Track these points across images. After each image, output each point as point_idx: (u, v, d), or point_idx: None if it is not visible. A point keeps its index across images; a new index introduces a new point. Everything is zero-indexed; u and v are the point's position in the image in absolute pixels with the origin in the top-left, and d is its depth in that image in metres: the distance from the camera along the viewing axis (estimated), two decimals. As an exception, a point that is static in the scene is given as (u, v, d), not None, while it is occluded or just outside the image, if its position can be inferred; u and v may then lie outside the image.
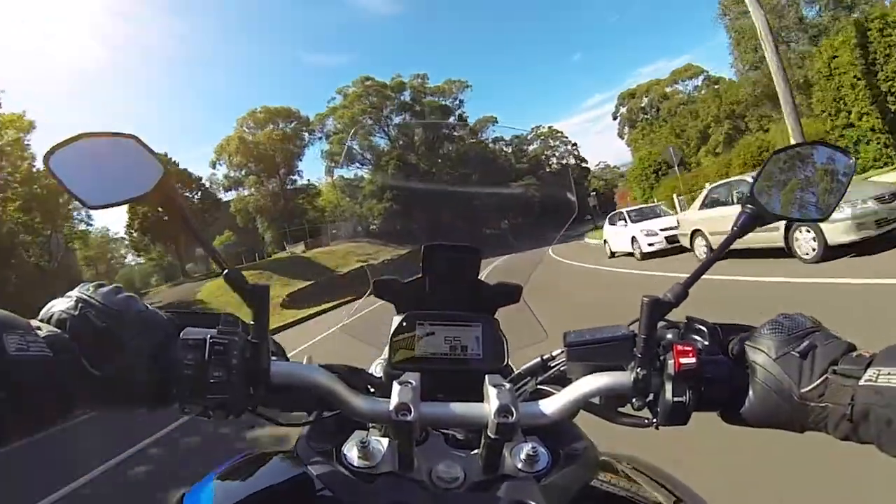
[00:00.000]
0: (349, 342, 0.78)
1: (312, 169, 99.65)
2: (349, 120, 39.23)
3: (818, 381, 0.45)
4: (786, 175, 0.52)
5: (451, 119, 43.18)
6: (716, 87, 37.65)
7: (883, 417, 0.41)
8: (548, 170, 51.23)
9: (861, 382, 0.42)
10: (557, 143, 59.33)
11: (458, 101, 44.22)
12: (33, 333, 0.39)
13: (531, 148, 55.12)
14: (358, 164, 38.20)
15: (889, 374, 0.41)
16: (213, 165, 38.81)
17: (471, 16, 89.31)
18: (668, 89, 42.67)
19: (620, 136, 47.12)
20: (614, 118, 47.99)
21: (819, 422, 0.45)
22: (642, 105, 44.82)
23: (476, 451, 0.51)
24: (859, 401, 0.42)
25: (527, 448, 0.50)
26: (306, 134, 40.81)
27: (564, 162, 59.63)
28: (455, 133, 41.81)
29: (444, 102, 43.30)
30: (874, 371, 0.42)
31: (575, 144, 61.99)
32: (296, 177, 40.20)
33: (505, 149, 48.62)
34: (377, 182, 30.80)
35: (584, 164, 65.85)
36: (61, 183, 0.50)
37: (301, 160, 40.43)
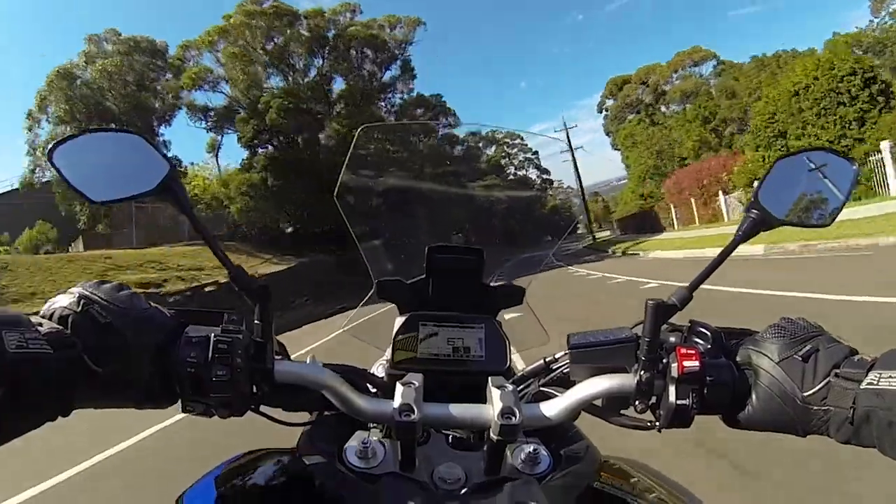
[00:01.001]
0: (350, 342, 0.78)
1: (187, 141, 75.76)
2: (233, 59, 24.44)
3: (820, 385, 0.45)
4: (790, 181, 0.53)
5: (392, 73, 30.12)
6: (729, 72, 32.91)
7: (884, 420, 0.41)
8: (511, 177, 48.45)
9: (862, 386, 0.43)
10: (516, 150, 55.96)
11: (405, 46, 29.48)
12: (34, 330, 0.39)
13: (489, 152, 49.98)
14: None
15: (890, 377, 0.42)
16: (32, 119, 22.94)
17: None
18: (675, 73, 37.29)
19: (607, 132, 43.33)
20: (599, 111, 44.23)
21: (821, 425, 0.46)
22: (639, 94, 39.81)
23: (477, 451, 0.51)
24: (861, 404, 0.42)
25: (528, 449, 0.50)
26: (170, 76, 25.38)
27: (523, 172, 57.35)
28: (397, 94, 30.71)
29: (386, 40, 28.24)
30: (875, 374, 0.43)
31: (536, 153, 58.87)
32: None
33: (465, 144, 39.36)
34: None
35: (546, 176, 63.54)
36: (64, 178, 0.50)
37: (169, 122, 25.79)
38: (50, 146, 0.51)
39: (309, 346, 7.56)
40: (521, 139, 56.38)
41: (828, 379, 0.45)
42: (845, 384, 0.44)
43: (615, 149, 42.79)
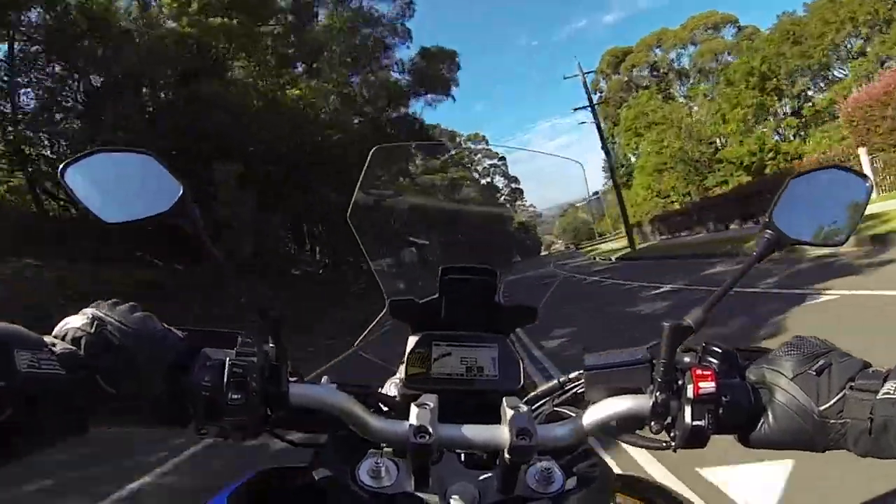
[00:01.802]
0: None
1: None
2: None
3: (836, 398, 0.45)
4: (804, 200, 0.53)
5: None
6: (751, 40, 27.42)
7: None
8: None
9: (879, 396, 0.43)
10: (479, 155, 53.09)
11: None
12: (46, 350, 0.39)
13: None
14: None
15: None
16: None
17: None
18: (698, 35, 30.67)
19: (604, 118, 35.27)
20: (595, 91, 35.30)
21: (839, 439, 0.46)
22: (649, 66, 33.42)
23: (491, 471, 0.51)
24: (879, 414, 0.42)
25: (542, 468, 0.50)
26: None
27: (489, 180, 55.31)
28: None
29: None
30: (892, 384, 0.43)
31: (503, 159, 56.45)
32: None
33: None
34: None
35: (515, 185, 62.04)
36: (76, 197, 0.50)
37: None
38: (62, 165, 0.50)
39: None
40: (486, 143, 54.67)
41: (843, 392, 0.45)
42: (861, 395, 0.44)
43: (610, 142, 38.43)
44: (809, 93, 23.90)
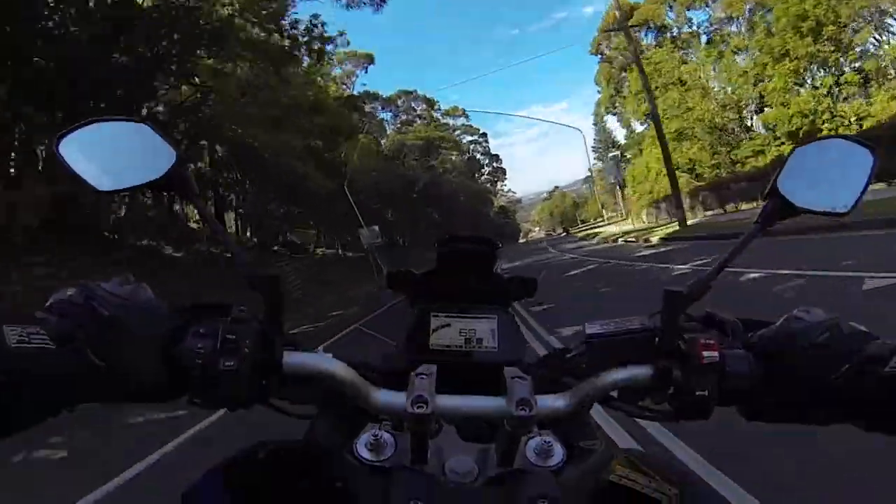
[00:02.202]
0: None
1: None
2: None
3: (842, 370, 0.44)
4: (810, 169, 0.52)
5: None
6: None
7: None
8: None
9: (887, 369, 0.42)
10: (459, 131, 51.98)
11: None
12: (35, 325, 0.39)
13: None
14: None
15: None
16: None
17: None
18: None
19: (607, 86, 33.92)
20: (597, 53, 33.37)
21: (844, 412, 0.45)
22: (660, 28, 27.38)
23: (490, 444, 0.50)
24: (885, 388, 0.42)
25: (542, 441, 0.50)
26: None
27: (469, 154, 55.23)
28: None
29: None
30: None
31: (485, 134, 56.73)
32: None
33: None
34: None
35: (498, 164, 62.46)
36: (69, 168, 0.50)
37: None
38: (56, 136, 0.50)
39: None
40: (467, 118, 53.77)
41: (849, 364, 0.44)
42: (869, 367, 0.43)
43: (611, 113, 38.86)
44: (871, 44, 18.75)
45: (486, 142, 56.12)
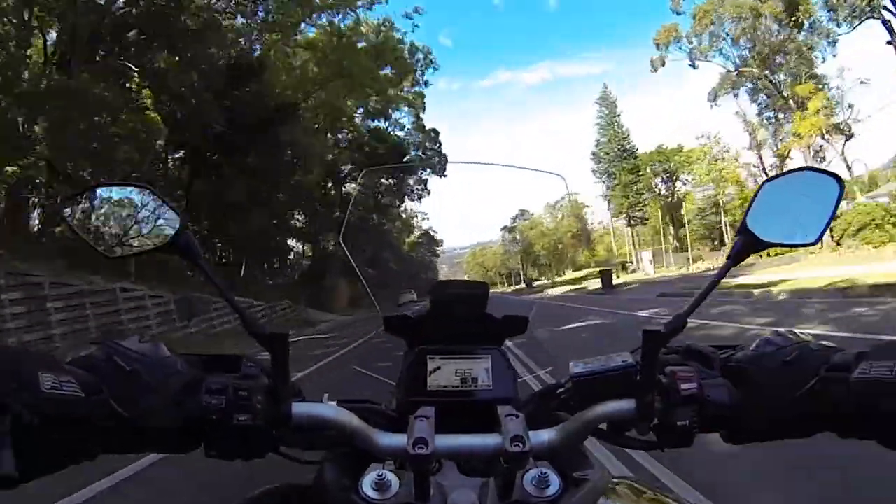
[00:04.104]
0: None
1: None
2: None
3: (812, 383, 0.47)
4: (777, 202, 0.54)
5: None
6: None
7: (881, 409, 0.43)
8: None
9: (854, 376, 0.45)
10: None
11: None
12: (67, 374, 0.41)
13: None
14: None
15: (882, 366, 0.43)
16: None
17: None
18: None
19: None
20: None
21: (820, 423, 0.48)
22: None
23: (489, 477, 0.53)
24: (854, 393, 0.44)
25: (538, 473, 0.52)
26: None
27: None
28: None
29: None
30: (867, 364, 0.44)
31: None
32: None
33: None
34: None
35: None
36: (76, 232, 0.52)
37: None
38: (62, 200, 0.58)
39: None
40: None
41: (816, 377, 0.47)
42: (837, 375, 0.46)
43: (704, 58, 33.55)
44: None
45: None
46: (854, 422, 0.45)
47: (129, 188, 0.56)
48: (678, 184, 48.02)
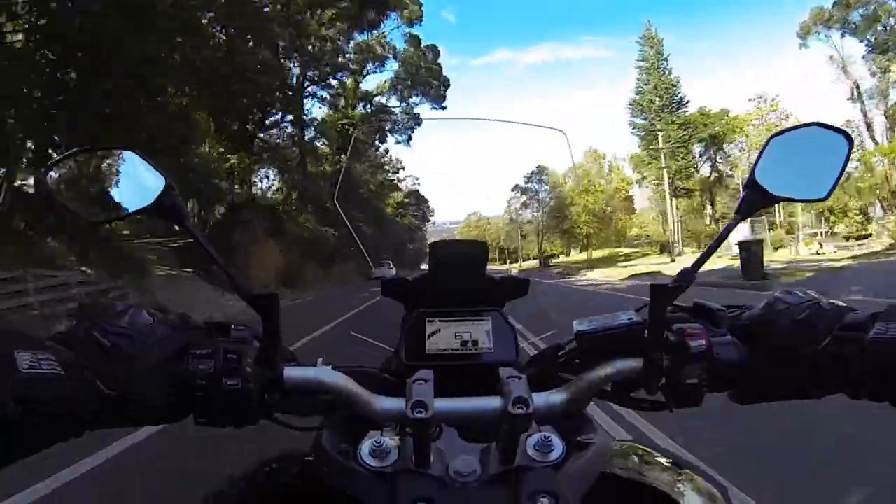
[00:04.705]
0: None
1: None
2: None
3: (825, 342, 0.46)
4: (786, 157, 0.53)
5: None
6: None
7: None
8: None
9: (870, 336, 0.43)
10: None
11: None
12: (45, 351, 0.39)
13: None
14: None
15: None
16: None
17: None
18: None
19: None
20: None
21: (833, 384, 0.46)
22: None
23: (491, 442, 0.51)
24: (869, 354, 0.43)
25: (541, 437, 0.50)
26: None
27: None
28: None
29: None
30: (883, 325, 0.43)
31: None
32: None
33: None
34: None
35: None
36: (59, 199, 0.51)
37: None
38: (44, 168, 0.51)
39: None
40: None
41: (832, 335, 0.46)
42: (852, 335, 0.45)
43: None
44: None
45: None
46: (868, 383, 0.44)
47: (112, 150, 0.54)
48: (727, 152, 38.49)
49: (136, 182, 0.52)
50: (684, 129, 39.43)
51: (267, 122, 27.98)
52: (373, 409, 0.49)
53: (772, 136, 0.54)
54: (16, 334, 0.39)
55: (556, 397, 0.51)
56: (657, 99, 40.96)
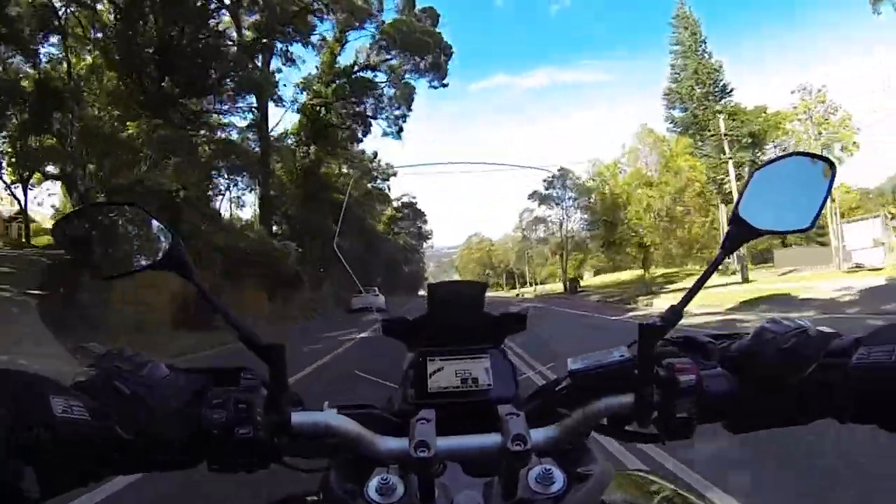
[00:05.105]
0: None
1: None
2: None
3: (811, 369, 0.47)
4: (769, 190, 0.54)
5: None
6: None
7: (880, 394, 0.43)
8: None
9: (853, 362, 0.44)
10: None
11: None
12: (76, 398, 0.42)
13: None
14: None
15: (880, 350, 0.43)
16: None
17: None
18: None
19: None
20: None
21: (818, 410, 0.48)
22: None
23: (494, 476, 0.53)
24: (853, 379, 0.44)
25: (542, 471, 0.52)
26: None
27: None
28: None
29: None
30: (865, 350, 0.44)
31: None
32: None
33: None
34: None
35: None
36: (70, 253, 0.55)
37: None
38: (55, 222, 0.55)
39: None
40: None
41: (818, 362, 0.47)
42: (836, 361, 0.46)
43: None
44: None
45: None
46: (854, 407, 0.45)
47: (122, 207, 0.56)
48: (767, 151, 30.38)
49: (144, 237, 0.55)
50: (733, 120, 31.57)
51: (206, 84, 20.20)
52: (378, 450, 0.51)
53: (755, 170, 0.56)
54: (48, 381, 0.42)
55: (553, 432, 0.53)
56: (698, 87, 33.90)
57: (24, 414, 0.37)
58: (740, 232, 0.52)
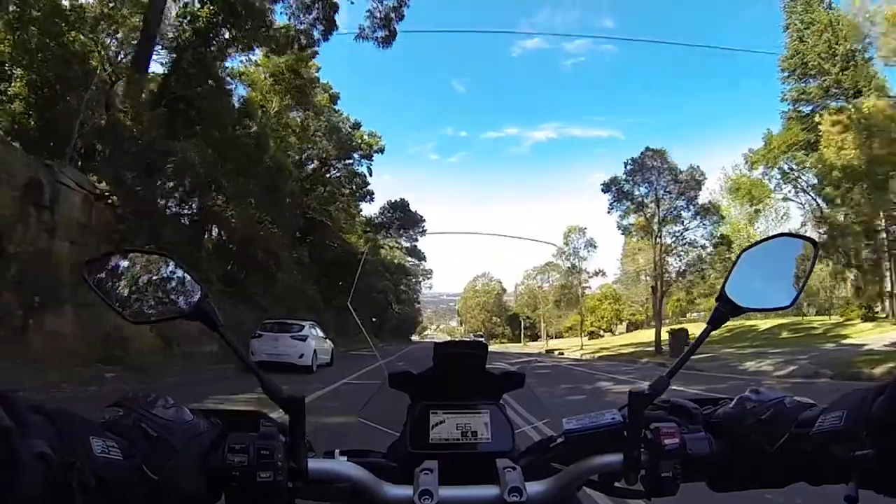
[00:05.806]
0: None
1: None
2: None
3: (784, 438, 0.52)
4: (755, 269, 0.59)
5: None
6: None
7: (836, 458, 0.46)
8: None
9: (814, 430, 0.49)
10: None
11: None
12: (111, 440, 0.45)
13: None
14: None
15: (833, 417, 0.48)
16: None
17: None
18: None
19: None
20: None
21: (792, 474, 0.52)
22: None
23: None
24: (815, 445, 0.49)
25: None
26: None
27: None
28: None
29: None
30: (823, 417, 0.49)
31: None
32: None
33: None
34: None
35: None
36: (99, 295, 0.56)
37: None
38: (85, 262, 0.57)
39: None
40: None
41: (789, 431, 0.51)
42: (803, 431, 0.50)
43: None
44: None
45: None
46: (819, 470, 0.50)
47: (153, 256, 0.59)
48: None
49: (174, 288, 0.58)
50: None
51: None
52: (384, 498, 0.55)
53: (742, 251, 0.60)
54: (86, 420, 0.45)
55: (547, 486, 0.56)
56: (835, 46, 22.66)
57: (67, 454, 0.39)
58: (726, 309, 0.57)
